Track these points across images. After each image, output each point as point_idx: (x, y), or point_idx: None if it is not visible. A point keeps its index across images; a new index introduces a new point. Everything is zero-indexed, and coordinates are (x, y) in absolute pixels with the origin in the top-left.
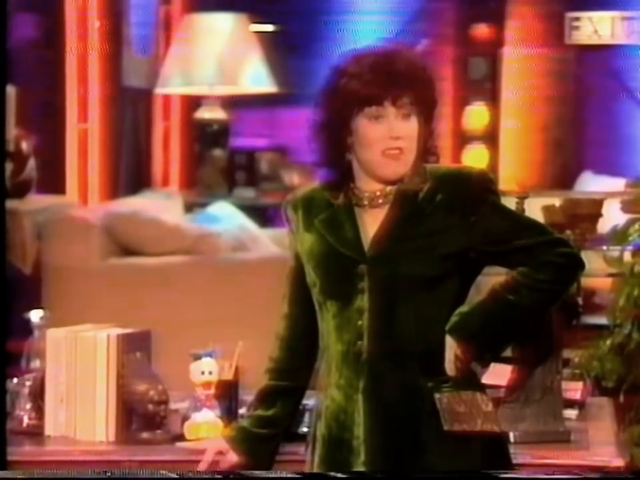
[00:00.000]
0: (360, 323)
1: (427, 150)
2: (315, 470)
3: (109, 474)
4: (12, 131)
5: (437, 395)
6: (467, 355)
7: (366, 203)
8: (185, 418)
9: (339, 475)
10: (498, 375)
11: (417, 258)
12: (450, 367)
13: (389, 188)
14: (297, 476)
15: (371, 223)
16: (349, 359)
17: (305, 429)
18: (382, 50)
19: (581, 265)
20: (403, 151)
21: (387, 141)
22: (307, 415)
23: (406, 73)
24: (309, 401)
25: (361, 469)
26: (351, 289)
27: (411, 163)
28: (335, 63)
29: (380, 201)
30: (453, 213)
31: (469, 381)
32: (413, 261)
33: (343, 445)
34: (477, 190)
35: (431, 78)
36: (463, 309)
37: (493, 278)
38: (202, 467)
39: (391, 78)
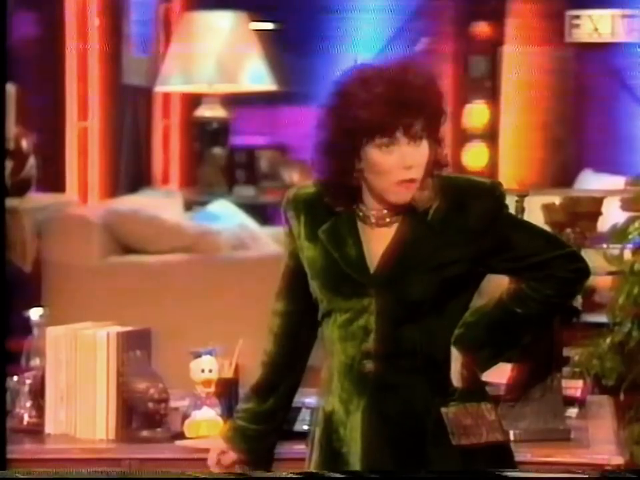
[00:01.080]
0: (366, 343)
1: (436, 162)
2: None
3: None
4: (12, 129)
5: (443, 410)
6: (473, 365)
7: (373, 221)
8: (185, 416)
9: (339, 476)
10: (498, 372)
11: (427, 280)
12: (456, 378)
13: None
14: (300, 476)
15: (377, 242)
16: (352, 373)
17: (305, 427)
18: (390, 72)
19: (588, 276)
20: (415, 180)
21: (399, 171)
22: (307, 413)
23: (417, 99)
24: (309, 399)
25: None
26: (357, 306)
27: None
28: (340, 83)
29: (387, 219)
30: (465, 231)
31: (474, 391)
32: (423, 282)
33: (341, 458)
34: (490, 206)
35: (440, 95)
36: (468, 318)
37: (494, 280)
38: (212, 467)
39: (403, 107)
